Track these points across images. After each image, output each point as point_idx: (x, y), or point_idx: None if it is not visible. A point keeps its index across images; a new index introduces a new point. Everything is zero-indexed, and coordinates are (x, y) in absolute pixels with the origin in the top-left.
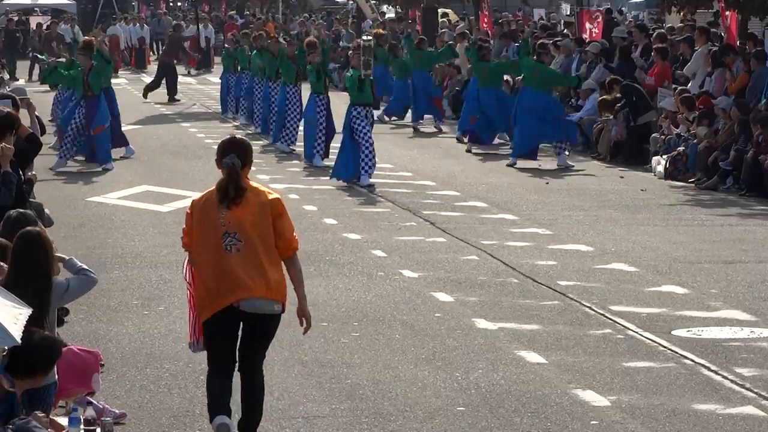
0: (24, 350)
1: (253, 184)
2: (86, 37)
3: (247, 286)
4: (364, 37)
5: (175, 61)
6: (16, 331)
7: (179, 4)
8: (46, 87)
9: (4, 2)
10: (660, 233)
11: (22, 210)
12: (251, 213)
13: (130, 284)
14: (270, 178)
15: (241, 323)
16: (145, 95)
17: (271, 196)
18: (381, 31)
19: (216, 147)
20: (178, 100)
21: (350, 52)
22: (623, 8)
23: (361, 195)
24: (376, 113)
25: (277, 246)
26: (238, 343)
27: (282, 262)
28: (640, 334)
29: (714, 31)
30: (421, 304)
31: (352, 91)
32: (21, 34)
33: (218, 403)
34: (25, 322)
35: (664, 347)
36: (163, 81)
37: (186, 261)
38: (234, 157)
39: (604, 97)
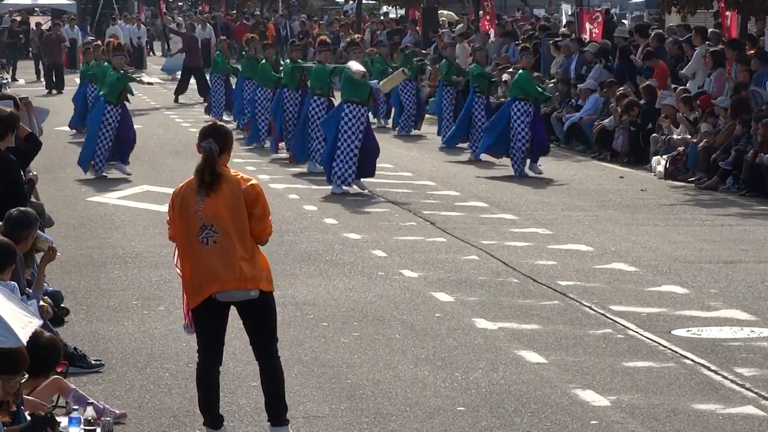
0: (30, 352)
1: (231, 171)
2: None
3: (221, 278)
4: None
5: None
6: (23, 336)
7: (180, 3)
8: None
9: (4, 2)
10: (660, 233)
11: (22, 208)
12: (225, 203)
13: (130, 284)
14: (270, 177)
15: (234, 309)
16: (176, 99)
17: (245, 183)
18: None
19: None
20: (178, 101)
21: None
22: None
23: (361, 195)
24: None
25: (251, 231)
26: (248, 337)
27: (259, 247)
28: (640, 334)
29: (713, 30)
30: (421, 304)
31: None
32: (23, 35)
33: (207, 406)
34: (32, 332)
35: (664, 347)
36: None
37: (175, 247)
38: (212, 141)
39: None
